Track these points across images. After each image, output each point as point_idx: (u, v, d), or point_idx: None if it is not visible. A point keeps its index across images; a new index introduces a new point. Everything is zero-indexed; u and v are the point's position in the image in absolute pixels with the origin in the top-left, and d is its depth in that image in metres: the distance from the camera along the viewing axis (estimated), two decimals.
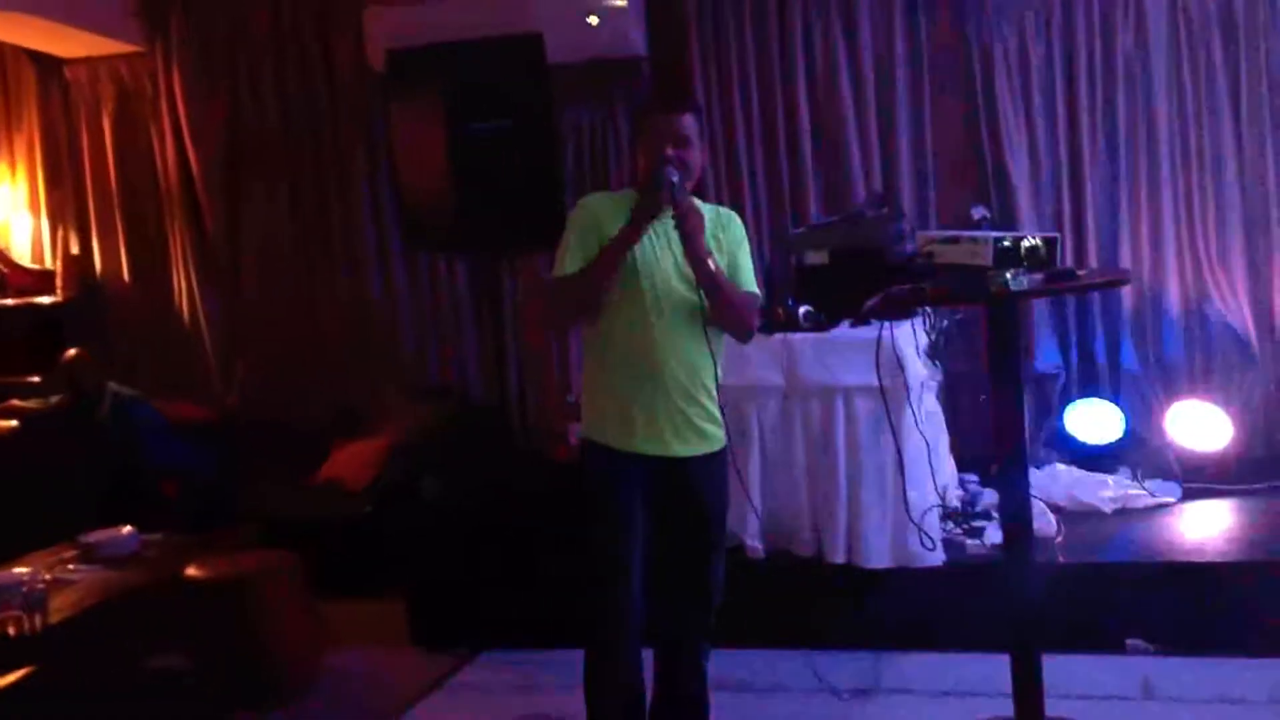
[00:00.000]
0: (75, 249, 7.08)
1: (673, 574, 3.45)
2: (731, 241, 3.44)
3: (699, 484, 3.39)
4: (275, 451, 6.36)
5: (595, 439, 3.36)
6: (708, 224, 3.31)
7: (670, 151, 3.22)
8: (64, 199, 7.09)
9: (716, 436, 3.44)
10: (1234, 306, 5.56)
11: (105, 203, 7.03)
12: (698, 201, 3.35)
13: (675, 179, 3.17)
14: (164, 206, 6.91)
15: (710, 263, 3.23)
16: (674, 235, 3.22)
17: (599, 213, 3.33)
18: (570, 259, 3.28)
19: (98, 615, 4.06)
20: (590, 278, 3.22)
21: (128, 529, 4.68)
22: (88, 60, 6.89)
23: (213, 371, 6.91)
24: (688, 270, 3.26)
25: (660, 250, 3.29)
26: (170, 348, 7.00)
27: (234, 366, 6.89)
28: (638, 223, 3.18)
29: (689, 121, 3.30)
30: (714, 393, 3.39)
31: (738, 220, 3.51)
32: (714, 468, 3.45)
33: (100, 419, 5.82)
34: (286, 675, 4.43)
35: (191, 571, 4.39)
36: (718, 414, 3.42)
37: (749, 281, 3.46)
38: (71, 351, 5.91)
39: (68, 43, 6.64)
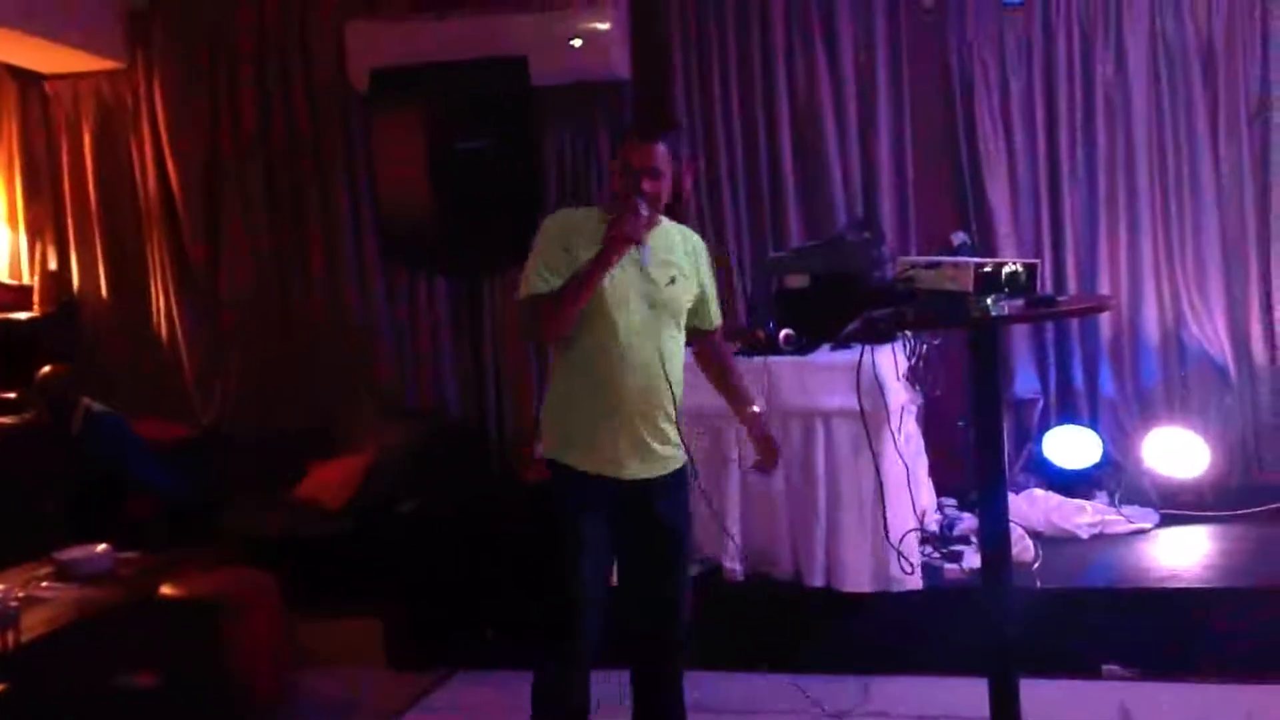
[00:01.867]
0: (53, 264, 7.04)
1: (642, 594, 3.47)
2: (705, 269, 3.53)
3: (662, 504, 3.41)
4: (252, 470, 6.33)
5: (560, 460, 3.36)
6: (679, 244, 3.42)
7: (644, 186, 3.27)
8: (42, 214, 7.04)
9: (676, 457, 3.46)
10: (1211, 333, 5.59)
11: (84, 218, 6.99)
12: (666, 221, 3.42)
13: (645, 213, 3.23)
14: (143, 222, 6.87)
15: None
16: (640, 262, 3.29)
17: (566, 229, 3.35)
18: (536, 276, 3.28)
19: (71, 633, 4.03)
20: (563, 301, 3.22)
21: (102, 547, 4.65)
22: (69, 76, 6.86)
23: (190, 389, 6.87)
24: (653, 296, 3.33)
25: (628, 277, 3.30)
26: (148, 364, 6.96)
27: (212, 384, 6.85)
28: (610, 254, 3.19)
29: (660, 151, 3.32)
30: (674, 417, 3.42)
31: (705, 247, 3.58)
32: (675, 487, 3.47)
33: (74, 435, 5.78)
34: (260, 695, 4.40)
35: (166, 590, 4.37)
36: (678, 436, 3.44)
37: (718, 313, 3.62)
38: (47, 368, 5.87)
39: (49, 58, 6.61)
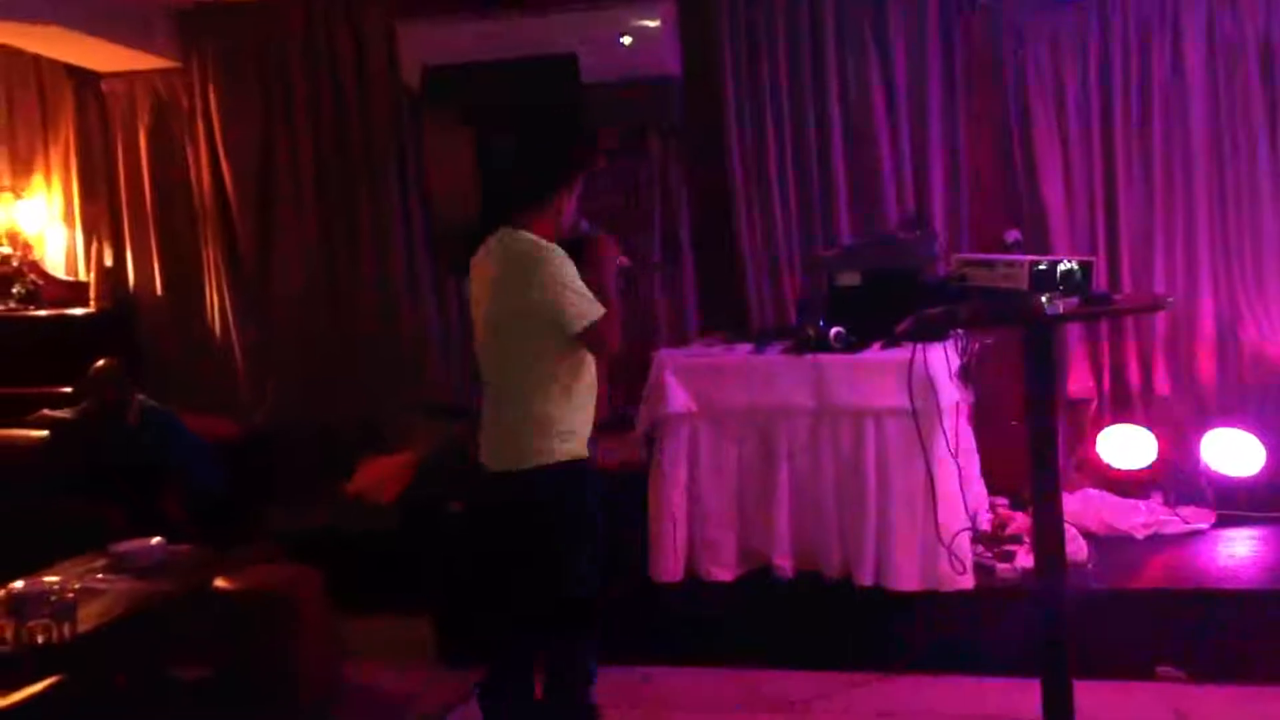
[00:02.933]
0: (109, 262, 7.12)
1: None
2: None
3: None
4: (302, 466, 6.38)
5: (576, 457, 3.63)
6: None
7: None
8: (98, 212, 7.13)
9: None
10: (1268, 331, 5.51)
11: (139, 217, 7.07)
12: None
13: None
14: (198, 222, 6.94)
15: None
16: None
17: (560, 257, 3.59)
18: (588, 300, 3.54)
19: (125, 625, 4.07)
20: (618, 320, 3.64)
21: (156, 540, 4.68)
22: (124, 75, 6.94)
23: (242, 386, 6.94)
24: None
25: None
26: (201, 362, 7.03)
27: (263, 381, 6.91)
28: (606, 271, 3.68)
29: None
30: None
31: None
32: None
33: (128, 428, 5.85)
34: (312, 689, 4.43)
35: (220, 583, 4.40)
36: None
37: None
38: (101, 362, 5.94)
39: (104, 57, 6.69)
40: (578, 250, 3.66)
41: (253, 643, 4.31)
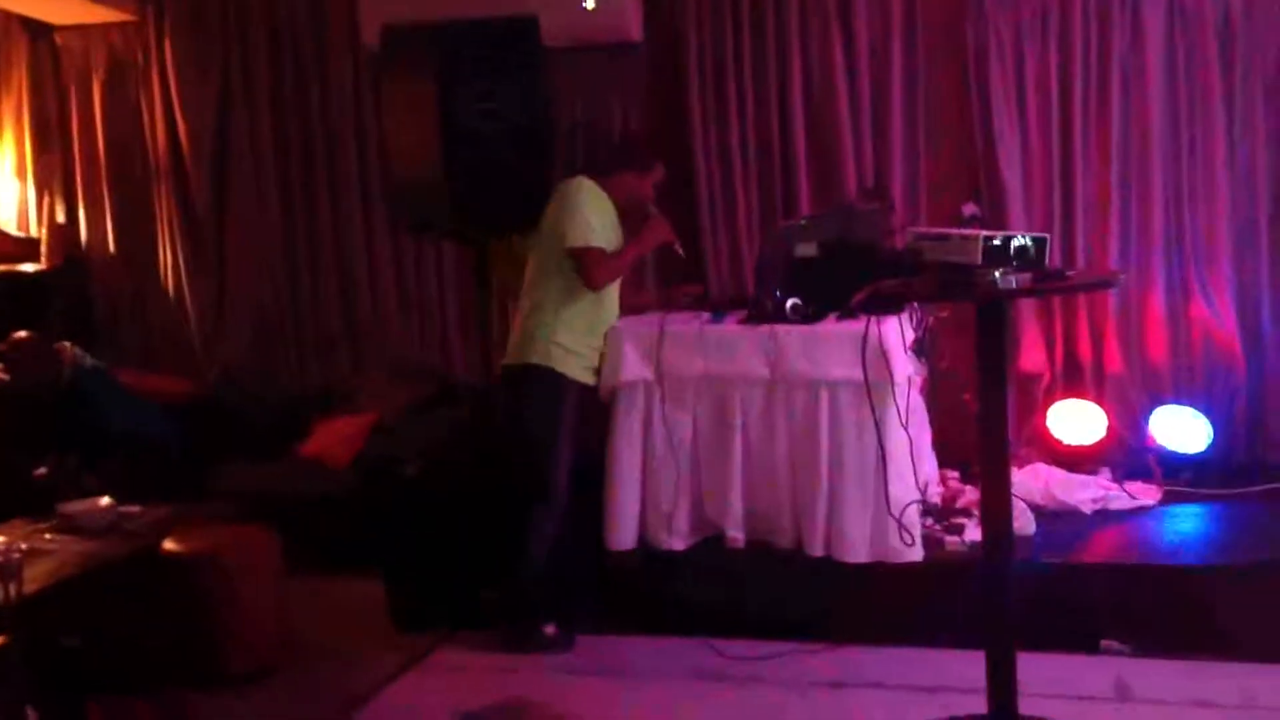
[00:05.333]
0: (61, 217, 7.04)
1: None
2: None
3: None
4: (257, 427, 6.34)
5: (555, 366, 4.58)
6: None
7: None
8: (51, 167, 7.03)
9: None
10: (1219, 311, 5.57)
11: (93, 172, 6.99)
12: None
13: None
14: (152, 179, 6.86)
15: None
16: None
17: (596, 198, 4.59)
18: (590, 231, 4.49)
19: (73, 586, 4.04)
20: (614, 270, 4.62)
21: (106, 500, 4.65)
22: (80, 27, 6.84)
23: (196, 345, 6.88)
24: None
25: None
26: (155, 319, 6.98)
27: (218, 340, 6.86)
28: (649, 246, 4.82)
29: None
30: None
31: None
32: None
33: (60, 393, 5.78)
34: (261, 652, 4.42)
35: (168, 545, 4.38)
36: None
37: None
38: (19, 334, 5.83)
39: (60, 9, 6.59)
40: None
41: (200, 605, 4.29)
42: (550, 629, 4.60)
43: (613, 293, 4.73)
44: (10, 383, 5.81)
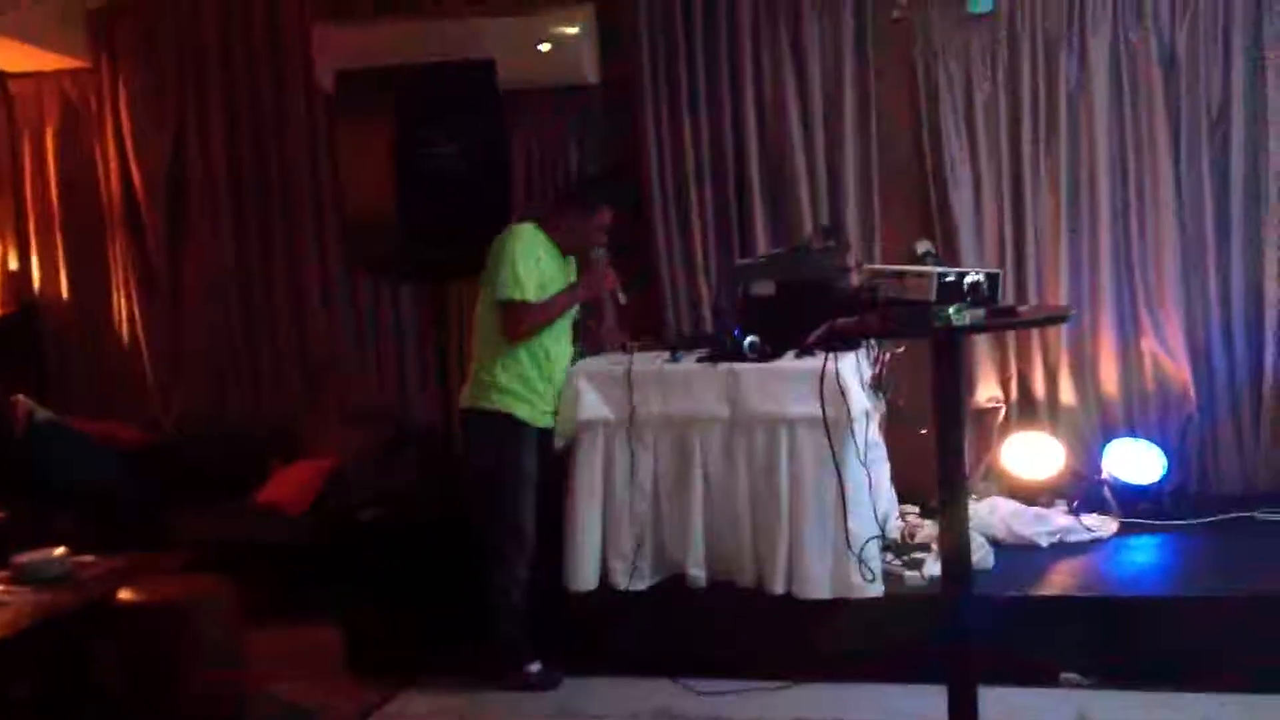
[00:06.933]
0: (13, 264, 6.98)
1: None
2: None
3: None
4: (213, 474, 6.27)
5: (507, 412, 4.59)
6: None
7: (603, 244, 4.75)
8: (3, 214, 6.98)
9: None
10: (1169, 343, 5.64)
11: (45, 219, 6.94)
12: None
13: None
14: (106, 225, 6.82)
15: None
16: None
17: (533, 244, 4.59)
18: (517, 285, 4.49)
19: (28, 637, 3.99)
20: (540, 321, 4.58)
21: (60, 550, 4.60)
22: (33, 75, 6.80)
23: (150, 392, 6.82)
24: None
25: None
26: (109, 367, 6.91)
27: (173, 387, 6.80)
28: (586, 297, 4.79)
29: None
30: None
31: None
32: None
33: (14, 441, 5.72)
34: (218, 702, 4.36)
35: (124, 595, 4.33)
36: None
37: None
38: None
39: (12, 57, 6.55)
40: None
41: (156, 656, 4.24)
42: (534, 667, 4.60)
43: (559, 334, 4.74)
44: None
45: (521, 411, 4.61)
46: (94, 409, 6.55)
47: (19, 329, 6.82)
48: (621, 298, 4.86)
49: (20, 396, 5.92)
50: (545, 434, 4.70)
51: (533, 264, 4.54)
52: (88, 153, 6.83)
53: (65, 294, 6.95)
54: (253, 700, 4.53)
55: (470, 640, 4.63)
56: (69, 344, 6.98)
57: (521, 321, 4.53)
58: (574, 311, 4.84)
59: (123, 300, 6.85)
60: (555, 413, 4.72)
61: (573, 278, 4.80)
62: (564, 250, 4.75)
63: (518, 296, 4.49)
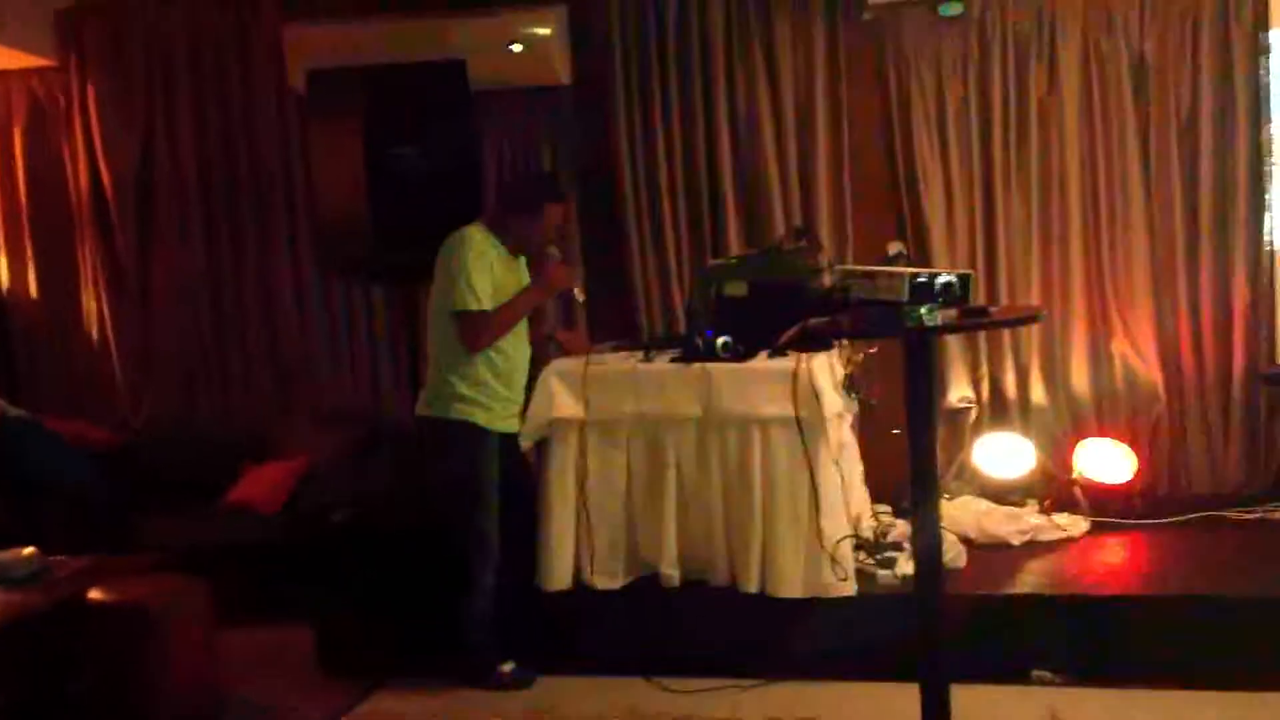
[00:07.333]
0: None
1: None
2: None
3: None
4: (183, 474, 6.23)
5: (465, 419, 4.50)
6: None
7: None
8: None
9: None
10: (1139, 343, 5.69)
11: (13, 219, 6.87)
12: None
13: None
14: (75, 224, 6.77)
15: None
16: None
17: (484, 250, 4.47)
18: (471, 295, 4.38)
19: None
20: (499, 327, 4.47)
21: (30, 550, 4.56)
22: (0, 73, 6.75)
23: (120, 392, 6.78)
24: None
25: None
26: (78, 366, 6.85)
27: (143, 387, 6.76)
28: (544, 295, 4.74)
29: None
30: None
31: None
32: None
33: None
34: (189, 702, 4.34)
35: (94, 595, 4.30)
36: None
37: None
38: None
39: None
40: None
41: (127, 656, 4.21)
42: (507, 667, 4.58)
43: (517, 338, 4.63)
44: None
45: (480, 418, 4.52)
46: (63, 409, 6.50)
47: None
48: (579, 294, 4.86)
49: None
50: (507, 438, 4.65)
51: (485, 270, 4.43)
52: (56, 152, 6.77)
53: (34, 293, 6.89)
54: (223, 701, 4.50)
55: (443, 642, 4.62)
56: (38, 343, 6.92)
57: (481, 333, 4.44)
58: None
59: (92, 300, 6.80)
60: (519, 414, 4.69)
61: (525, 277, 4.68)
62: (514, 251, 4.62)
63: (474, 307, 4.39)
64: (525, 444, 4.76)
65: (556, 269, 4.62)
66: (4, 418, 5.79)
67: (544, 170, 6.08)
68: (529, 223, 4.55)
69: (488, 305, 4.41)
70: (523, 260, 4.69)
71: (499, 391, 4.56)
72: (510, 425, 4.64)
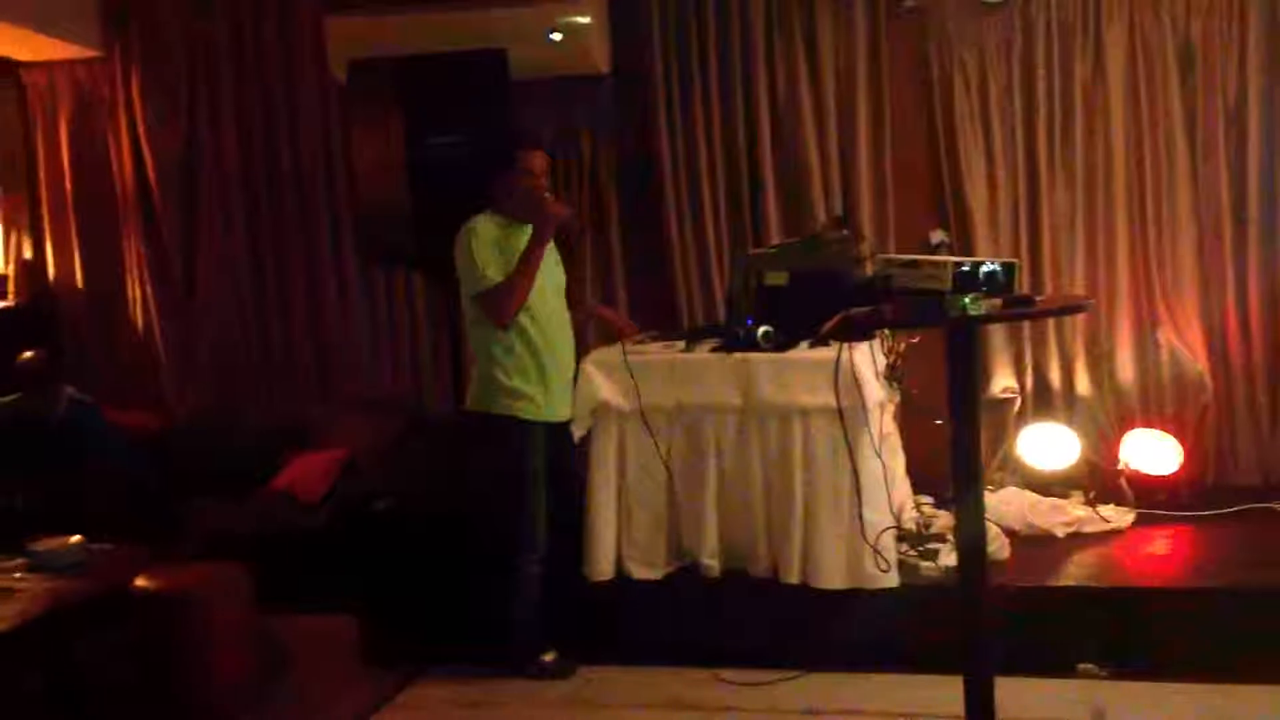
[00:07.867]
0: (28, 254, 6.99)
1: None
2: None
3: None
4: (227, 462, 6.28)
5: (513, 415, 4.49)
6: None
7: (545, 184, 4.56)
8: (17, 204, 7.00)
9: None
10: (1186, 334, 5.62)
11: (60, 209, 6.95)
12: None
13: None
14: (120, 214, 6.83)
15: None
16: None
17: (489, 230, 4.47)
18: (493, 268, 4.38)
19: (43, 626, 4.00)
20: (518, 287, 4.37)
21: (75, 538, 4.60)
22: (45, 64, 6.81)
23: (165, 381, 6.83)
24: (556, 280, 4.69)
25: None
26: (123, 355, 6.93)
27: (186, 376, 6.82)
28: (546, 232, 4.41)
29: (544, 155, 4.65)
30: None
31: None
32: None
33: (56, 421, 5.74)
34: (232, 690, 4.37)
35: (139, 583, 4.33)
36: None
37: None
38: (29, 353, 5.83)
39: (25, 46, 6.56)
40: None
41: (171, 644, 4.24)
42: (549, 657, 4.59)
43: (555, 321, 4.59)
44: (18, 403, 5.77)
45: (528, 413, 4.49)
46: (109, 398, 6.56)
47: (35, 318, 6.84)
48: (579, 226, 4.89)
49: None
50: (554, 427, 4.61)
51: (490, 245, 4.41)
52: (101, 142, 6.84)
53: (80, 283, 6.96)
54: (266, 689, 4.53)
55: (484, 630, 4.63)
56: (84, 332, 7.00)
57: (502, 300, 4.38)
58: (556, 283, 4.68)
59: (136, 289, 6.86)
60: (568, 397, 4.65)
61: None
62: (521, 218, 4.47)
63: (487, 283, 4.38)
64: (577, 433, 4.74)
65: (542, 204, 4.46)
66: (74, 401, 5.84)
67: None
68: (514, 177, 4.51)
69: (499, 277, 4.38)
70: (530, 228, 4.50)
71: (550, 375, 4.51)
72: (557, 413, 4.59)
